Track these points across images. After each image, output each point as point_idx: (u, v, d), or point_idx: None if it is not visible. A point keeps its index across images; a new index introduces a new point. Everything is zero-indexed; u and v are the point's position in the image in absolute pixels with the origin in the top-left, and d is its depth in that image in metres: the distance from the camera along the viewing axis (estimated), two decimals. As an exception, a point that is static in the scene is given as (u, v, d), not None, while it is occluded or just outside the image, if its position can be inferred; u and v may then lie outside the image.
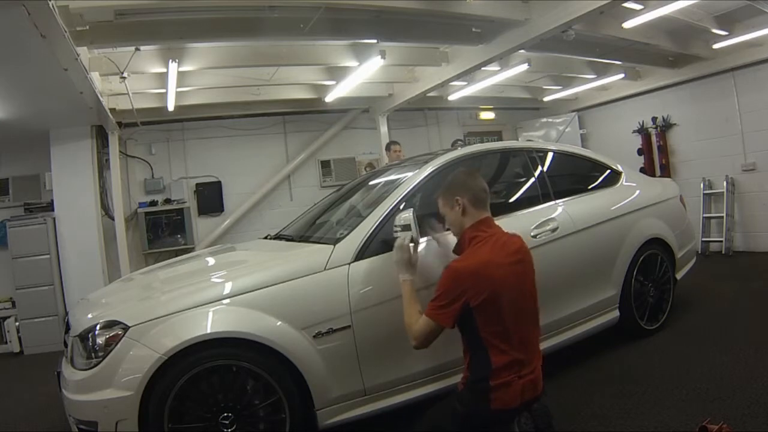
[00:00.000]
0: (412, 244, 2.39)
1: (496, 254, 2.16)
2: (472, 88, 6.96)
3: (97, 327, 2.30)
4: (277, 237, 3.67)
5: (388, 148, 6.12)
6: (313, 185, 7.45)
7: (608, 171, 3.82)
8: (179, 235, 6.47)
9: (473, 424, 2.05)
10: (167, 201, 6.61)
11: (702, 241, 6.81)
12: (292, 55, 5.31)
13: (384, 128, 7.51)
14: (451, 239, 2.45)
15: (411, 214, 2.43)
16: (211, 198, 6.93)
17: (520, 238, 2.34)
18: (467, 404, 2.09)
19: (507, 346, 2.08)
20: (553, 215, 3.22)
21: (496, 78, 6.41)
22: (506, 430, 2.04)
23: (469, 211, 2.29)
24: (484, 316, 2.08)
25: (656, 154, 7.46)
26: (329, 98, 6.65)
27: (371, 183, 3.79)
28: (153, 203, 6.52)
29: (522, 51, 5.38)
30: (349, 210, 3.53)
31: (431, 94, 6.83)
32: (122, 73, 4.73)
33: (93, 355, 2.26)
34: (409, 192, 2.89)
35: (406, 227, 2.40)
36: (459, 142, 6.68)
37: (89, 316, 2.44)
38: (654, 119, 7.43)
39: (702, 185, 6.92)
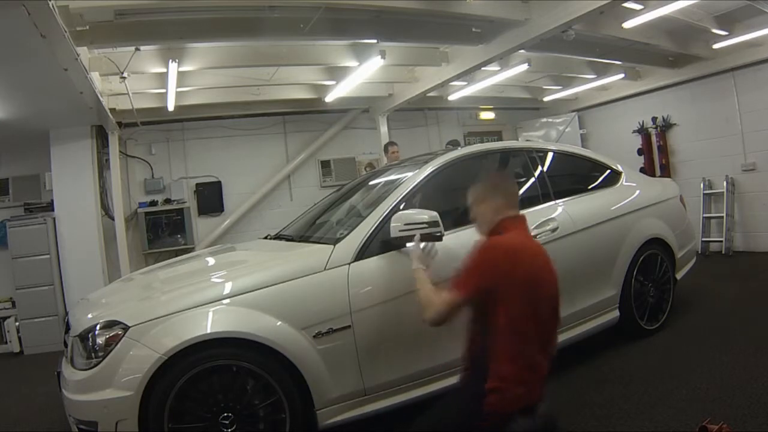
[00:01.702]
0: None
1: (534, 245, 2.14)
2: (472, 88, 6.96)
3: (97, 327, 2.30)
4: (277, 237, 3.67)
5: (385, 149, 6.11)
6: (313, 185, 7.45)
7: (608, 171, 3.82)
8: (179, 235, 6.47)
9: (467, 424, 2.03)
10: (167, 201, 6.61)
11: (702, 241, 6.81)
12: (292, 55, 5.31)
13: (384, 128, 7.51)
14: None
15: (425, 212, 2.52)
16: (211, 198, 6.93)
17: None
18: (464, 406, 2.02)
19: (518, 350, 1.92)
20: (553, 215, 3.22)
21: (496, 78, 6.41)
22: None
23: (502, 210, 2.18)
24: (508, 304, 1.92)
25: (656, 154, 7.46)
26: (329, 98, 6.65)
27: (371, 183, 3.79)
28: (153, 203, 6.52)
29: (522, 51, 5.38)
30: (349, 210, 3.53)
31: (431, 94, 6.83)
32: (122, 73, 4.73)
33: (93, 355, 2.26)
34: (409, 192, 2.90)
35: (434, 223, 2.48)
36: (449, 146, 6.60)
37: (89, 316, 2.44)
38: (654, 119, 7.43)
39: (702, 185, 6.91)
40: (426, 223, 2.50)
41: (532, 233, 3.02)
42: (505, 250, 2.00)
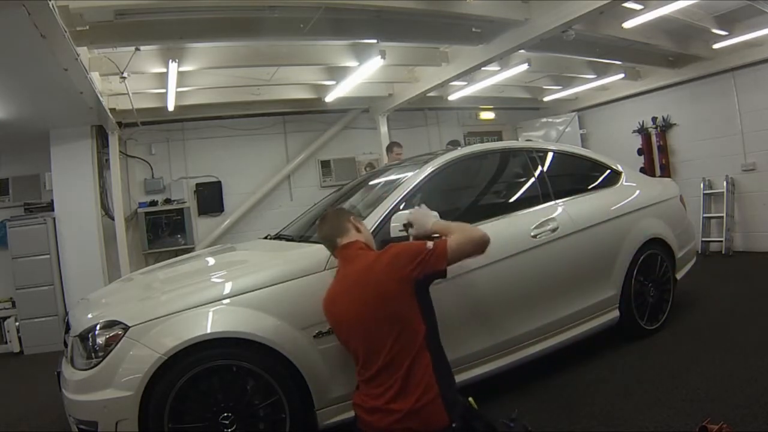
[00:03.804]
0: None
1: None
2: (472, 88, 6.96)
3: (97, 327, 2.30)
4: (277, 237, 3.67)
5: (390, 149, 6.08)
6: (313, 185, 7.44)
7: (608, 171, 3.82)
8: (179, 235, 6.47)
9: None
10: (167, 201, 6.61)
11: (702, 241, 6.81)
12: (292, 55, 5.31)
13: (384, 128, 7.51)
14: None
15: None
16: (211, 198, 6.92)
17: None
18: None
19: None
20: (553, 215, 3.22)
21: (496, 78, 6.41)
22: None
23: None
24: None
25: (656, 154, 7.46)
26: (329, 98, 6.65)
27: (371, 183, 3.79)
28: (153, 203, 6.52)
29: (522, 51, 5.38)
30: (349, 210, 3.53)
31: (431, 94, 6.83)
32: (122, 73, 4.73)
33: (93, 355, 2.26)
34: (409, 192, 2.89)
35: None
36: (449, 146, 6.58)
37: (89, 316, 2.44)
38: (654, 119, 7.43)
39: (702, 185, 6.91)
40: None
41: (532, 233, 3.06)
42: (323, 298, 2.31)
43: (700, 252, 6.59)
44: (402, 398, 2.01)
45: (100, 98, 4.84)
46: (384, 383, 2.05)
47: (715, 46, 6.05)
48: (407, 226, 2.46)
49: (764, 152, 6.31)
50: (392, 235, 2.52)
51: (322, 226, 2.43)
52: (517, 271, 2.96)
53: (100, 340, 2.26)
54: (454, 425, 1.99)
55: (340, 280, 2.30)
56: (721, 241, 6.68)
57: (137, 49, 4.54)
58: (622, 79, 7.21)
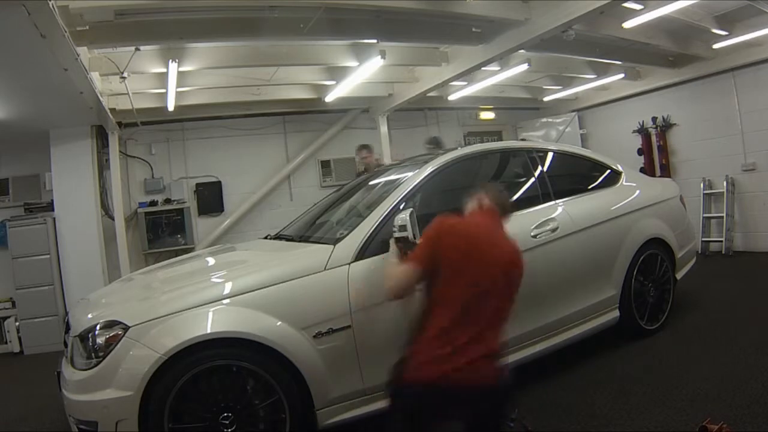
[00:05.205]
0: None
1: (486, 226, 2.15)
2: (472, 88, 6.96)
3: (97, 327, 2.30)
4: (277, 237, 3.67)
5: (358, 151, 5.89)
6: (313, 185, 7.45)
7: (608, 171, 3.82)
8: (179, 235, 6.47)
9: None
10: (167, 201, 6.61)
11: (702, 241, 6.81)
12: (292, 55, 5.31)
13: (384, 128, 7.52)
14: None
15: (407, 215, 2.42)
16: (211, 198, 6.93)
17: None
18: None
19: (441, 328, 1.93)
20: (553, 215, 3.23)
21: (496, 78, 6.41)
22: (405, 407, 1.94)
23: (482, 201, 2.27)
24: (444, 275, 1.99)
25: (656, 154, 7.46)
26: (329, 98, 6.65)
27: (371, 183, 3.79)
28: (153, 203, 6.52)
29: (522, 51, 5.38)
30: (349, 210, 3.53)
31: (431, 94, 6.83)
32: (122, 73, 4.73)
33: (93, 355, 2.26)
34: (409, 192, 2.90)
35: (402, 228, 2.40)
36: (429, 147, 5.86)
37: (89, 316, 2.44)
38: (654, 119, 7.43)
39: (702, 185, 6.92)
40: (396, 227, 2.43)
41: (532, 233, 3.06)
42: (450, 223, 2.07)
43: (700, 252, 6.59)
44: (475, 349, 1.93)
45: (100, 98, 4.84)
46: (465, 332, 1.94)
47: (715, 46, 6.05)
48: (403, 228, 2.43)
49: (764, 152, 6.31)
50: (393, 235, 2.50)
51: (502, 193, 2.35)
52: (517, 271, 2.95)
53: (100, 340, 2.26)
54: (500, 384, 1.98)
55: (484, 225, 2.16)
56: (721, 241, 6.68)
57: (137, 49, 4.54)
58: (622, 79, 7.21)
